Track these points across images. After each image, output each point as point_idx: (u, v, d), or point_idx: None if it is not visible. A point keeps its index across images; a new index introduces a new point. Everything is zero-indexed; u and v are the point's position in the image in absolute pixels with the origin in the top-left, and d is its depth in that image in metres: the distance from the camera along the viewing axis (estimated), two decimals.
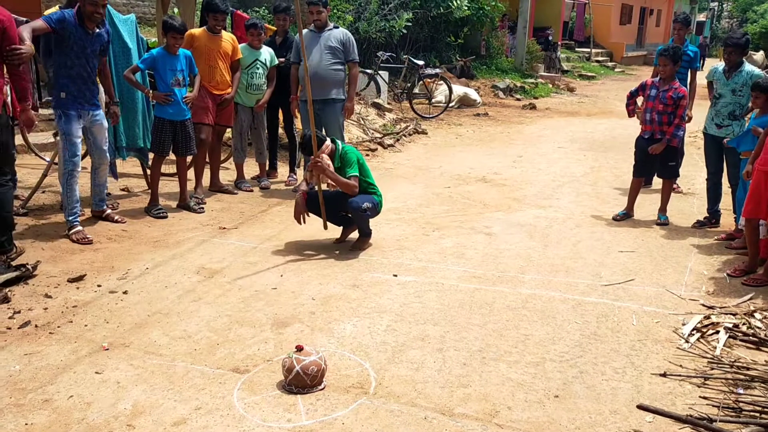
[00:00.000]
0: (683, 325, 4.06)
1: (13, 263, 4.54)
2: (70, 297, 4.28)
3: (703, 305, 4.37)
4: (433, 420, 3.03)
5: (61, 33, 5.12)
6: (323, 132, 6.38)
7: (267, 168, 7.58)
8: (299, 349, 3.30)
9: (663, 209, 6.34)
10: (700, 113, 7.35)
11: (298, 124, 7.54)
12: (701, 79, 7.14)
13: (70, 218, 5.40)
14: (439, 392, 3.27)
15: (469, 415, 3.08)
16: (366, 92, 12.26)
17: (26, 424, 2.92)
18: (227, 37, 6.73)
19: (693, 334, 3.90)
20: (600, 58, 28.07)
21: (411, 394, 3.25)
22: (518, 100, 16.25)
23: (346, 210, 5.37)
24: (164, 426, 2.94)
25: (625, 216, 6.42)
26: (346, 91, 6.91)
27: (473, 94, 14.88)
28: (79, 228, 5.39)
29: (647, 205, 6.73)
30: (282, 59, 7.17)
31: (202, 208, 6.35)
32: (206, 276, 4.73)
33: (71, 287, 4.43)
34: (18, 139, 6.77)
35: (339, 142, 5.41)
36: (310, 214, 5.48)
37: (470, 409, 3.13)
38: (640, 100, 6.52)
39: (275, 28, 7.64)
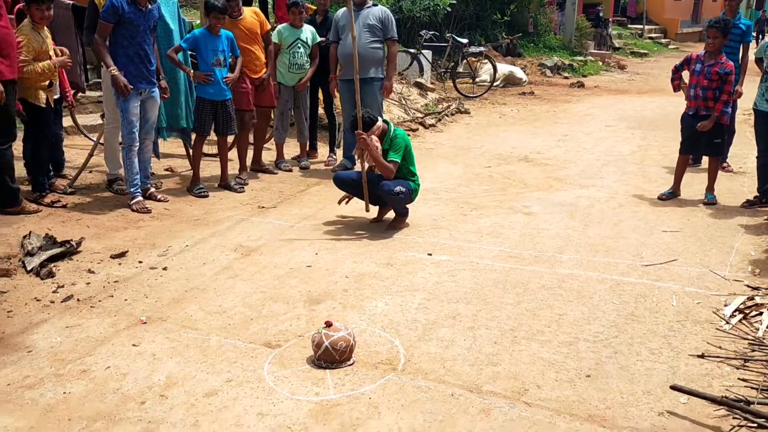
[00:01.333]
0: (725, 306, 3.92)
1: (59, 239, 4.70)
2: (112, 272, 4.41)
3: (748, 286, 4.22)
4: (459, 397, 3.02)
5: (117, 21, 5.31)
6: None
7: (307, 148, 7.62)
8: (328, 324, 3.33)
9: (710, 188, 6.12)
10: (752, 90, 7.05)
11: (337, 103, 7.55)
12: (753, 54, 6.83)
13: (132, 189, 5.67)
14: (468, 370, 3.26)
15: (497, 392, 3.06)
16: (408, 72, 12.16)
17: (64, 393, 3.03)
18: (248, 13, 6.68)
19: (735, 315, 3.77)
20: (653, 35, 27.14)
21: (439, 371, 3.24)
22: (566, 78, 15.88)
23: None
24: (196, 397, 3.01)
25: (671, 195, 6.23)
26: (385, 70, 6.86)
27: (519, 73, 14.60)
28: (140, 198, 5.67)
29: (695, 184, 6.51)
30: (323, 38, 7.17)
31: (243, 188, 6.43)
32: (243, 254, 4.80)
33: (113, 263, 4.56)
34: (67, 121, 7.00)
35: (391, 124, 5.38)
36: (350, 196, 5.50)
37: (498, 387, 3.10)
38: (687, 75, 6.28)
39: (315, 7, 7.63)
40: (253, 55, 6.59)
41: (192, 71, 6.07)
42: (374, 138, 5.20)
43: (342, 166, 7.01)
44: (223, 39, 6.09)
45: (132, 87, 5.42)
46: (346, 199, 5.50)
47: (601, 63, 18.35)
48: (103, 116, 6.61)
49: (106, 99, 6.04)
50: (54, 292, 4.08)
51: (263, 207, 5.94)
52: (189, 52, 6.22)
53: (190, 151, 6.69)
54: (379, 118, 5.37)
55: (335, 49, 6.86)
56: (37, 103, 5.31)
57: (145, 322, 3.72)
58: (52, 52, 5.35)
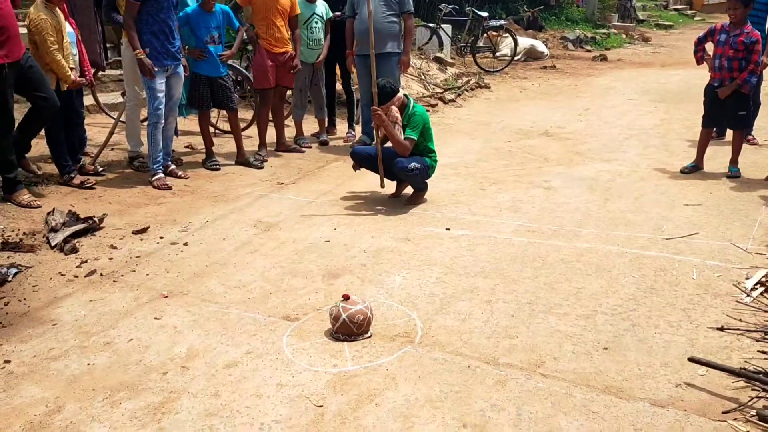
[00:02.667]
0: (747, 279, 3.88)
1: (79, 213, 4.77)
2: (134, 248, 4.48)
3: None
4: (476, 368, 3.03)
5: None
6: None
7: (326, 124, 7.61)
8: (346, 298, 3.35)
9: (734, 161, 6.02)
10: None
11: (355, 79, 7.51)
12: None
13: (154, 166, 5.75)
14: (485, 342, 3.27)
15: (514, 364, 3.07)
16: (428, 47, 12.06)
17: (89, 364, 3.10)
18: None
19: (756, 288, 3.73)
20: (679, 6, 26.58)
21: (456, 344, 3.25)
22: (588, 51, 15.64)
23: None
24: (216, 368, 3.06)
25: (694, 168, 6.14)
26: (402, 44, 6.80)
27: (540, 47, 14.41)
28: (161, 175, 5.76)
29: (719, 157, 6.41)
30: (337, 13, 7.12)
31: (262, 164, 6.46)
32: (263, 229, 4.84)
33: (135, 239, 4.63)
34: (88, 99, 7.07)
35: (411, 99, 5.34)
36: (364, 168, 5.51)
37: (515, 359, 3.11)
38: (710, 47, 6.15)
39: None
40: (275, 29, 6.50)
41: (186, 47, 5.99)
42: (394, 108, 5.17)
43: (361, 142, 7.00)
44: (218, 15, 6.08)
45: (157, 67, 5.47)
46: (359, 168, 5.51)
47: (624, 36, 18.04)
48: (123, 94, 6.66)
49: (126, 77, 6.09)
50: (78, 267, 4.16)
51: (282, 183, 5.97)
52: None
53: (211, 128, 6.73)
54: (400, 89, 5.34)
55: (351, 24, 6.81)
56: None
57: (166, 296, 3.78)
58: (66, 33, 5.34)
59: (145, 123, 5.90)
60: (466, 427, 2.63)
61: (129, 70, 5.92)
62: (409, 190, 5.48)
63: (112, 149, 6.58)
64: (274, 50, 6.54)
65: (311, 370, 3.05)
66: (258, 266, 4.20)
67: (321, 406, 2.77)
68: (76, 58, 5.54)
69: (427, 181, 5.39)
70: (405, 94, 5.32)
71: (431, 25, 12.39)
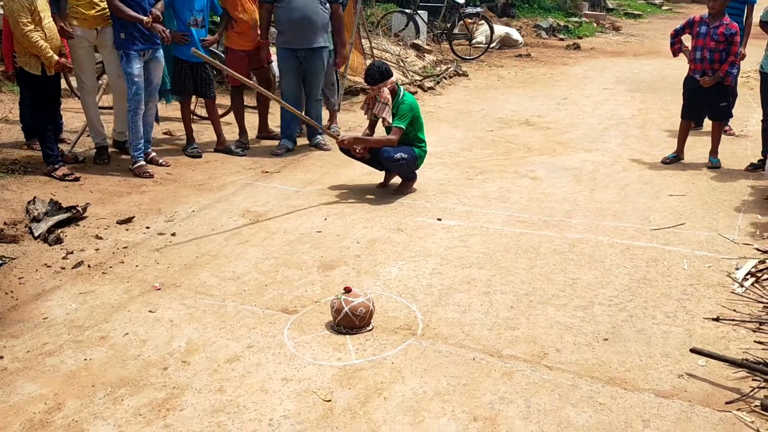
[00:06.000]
0: (737, 269, 3.95)
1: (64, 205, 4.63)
2: (120, 238, 4.37)
3: (758, 249, 4.25)
4: (481, 361, 3.04)
5: None
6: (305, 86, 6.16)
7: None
8: (347, 290, 3.32)
9: (714, 152, 6.12)
10: (754, 53, 7.03)
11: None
12: (757, 16, 6.76)
13: (135, 153, 5.60)
14: (487, 334, 3.27)
15: (518, 356, 3.08)
16: (405, 33, 11.99)
17: (85, 359, 3.02)
18: None
19: (747, 279, 3.81)
20: None
21: (458, 336, 3.25)
22: (562, 40, 15.73)
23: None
24: (218, 362, 3.01)
25: (675, 159, 6.23)
26: (332, 37, 6.37)
27: (515, 35, 14.43)
28: (143, 163, 5.61)
29: (698, 147, 6.51)
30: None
31: (244, 152, 6.35)
32: (251, 219, 4.76)
33: (120, 229, 4.52)
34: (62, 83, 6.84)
35: (402, 88, 5.27)
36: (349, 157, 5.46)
37: (518, 351, 3.12)
38: (686, 39, 6.21)
39: None
40: (246, 15, 6.19)
41: (168, 30, 5.66)
42: (385, 90, 5.12)
43: (284, 148, 6.41)
44: None
45: (133, 52, 5.33)
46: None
47: (596, 24, 18.17)
48: (100, 77, 6.44)
49: (78, 66, 5.66)
50: (64, 258, 4.05)
51: (267, 172, 5.89)
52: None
53: (192, 115, 6.59)
54: (394, 74, 5.27)
55: (267, 12, 6.20)
56: (30, 70, 5.12)
57: (159, 288, 3.70)
58: (45, 13, 5.11)
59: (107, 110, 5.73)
60: (477, 420, 2.64)
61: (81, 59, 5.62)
62: (397, 179, 5.45)
63: (89, 135, 6.38)
64: (244, 48, 6.29)
65: (316, 364, 3.02)
66: (250, 257, 4.14)
67: (329, 400, 2.74)
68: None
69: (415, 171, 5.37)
70: (396, 82, 5.27)
71: (408, 11, 12.31)
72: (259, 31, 6.32)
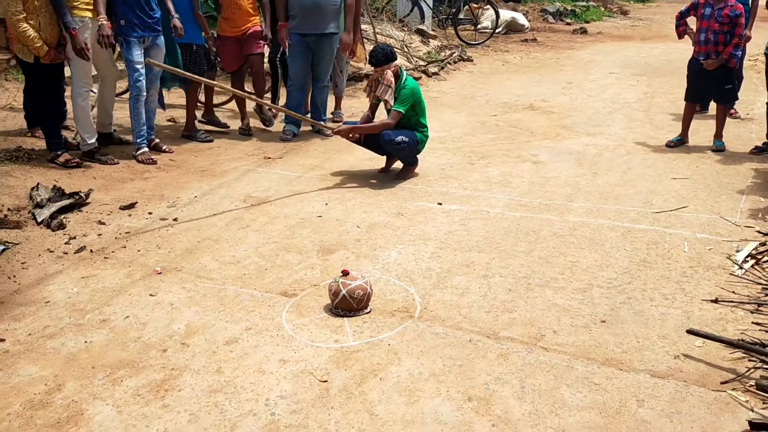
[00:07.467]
0: (737, 251, 3.94)
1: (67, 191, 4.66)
2: (122, 224, 4.40)
3: (759, 232, 4.22)
4: (478, 342, 3.05)
5: None
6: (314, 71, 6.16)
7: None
8: (345, 273, 3.34)
9: (719, 135, 6.08)
10: (760, 35, 6.95)
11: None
12: None
13: (138, 140, 5.61)
14: (484, 317, 3.28)
15: (515, 338, 3.09)
16: (409, 18, 11.94)
17: (86, 342, 3.05)
18: None
19: (747, 261, 3.79)
20: None
21: (456, 318, 3.26)
22: (568, 24, 15.63)
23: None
24: (217, 344, 3.04)
25: (679, 142, 6.20)
26: (344, 23, 6.32)
27: (521, 19, 14.35)
28: (146, 149, 5.63)
29: (703, 130, 6.47)
30: None
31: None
32: (253, 204, 4.78)
33: (123, 214, 4.55)
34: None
35: (404, 72, 5.26)
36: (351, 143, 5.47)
37: (515, 333, 3.13)
38: (691, 21, 6.16)
39: None
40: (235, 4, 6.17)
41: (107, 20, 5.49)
42: (389, 72, 5.12)
43: (290, 132, 6.46)
44: None
45: (132, 38, 5.33)
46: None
47: (603, 9, 18.05)
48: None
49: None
50: (66, 243, 4.08)
51: (269, 157, 5.90)
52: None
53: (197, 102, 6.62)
54: (398, 57, 5.27)
55: None
56: (24, 58, 5.11)
57: (160, 273, 3.73)
58: (40, 1, 5.06)
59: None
60: (471, 400, 2.65)
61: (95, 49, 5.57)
62: (398, 164, 5.45)
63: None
64: (233, 34, 6.25)
65: (313, 345, 3.04)
66: (251, 242, 4.16)
67: (326, 381, 2.77)
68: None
69: (417, 156, 5.37)
70: (399, 66, 5.25)
71: None
72: (251, 18, 6.28)
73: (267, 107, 6.53)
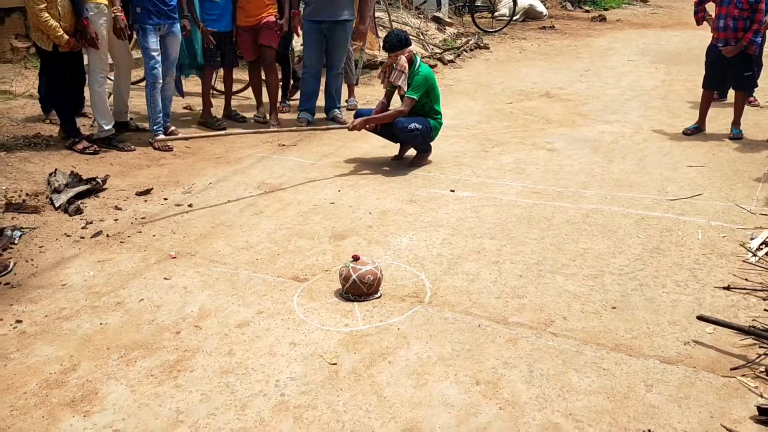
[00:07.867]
0: (752, 239, 3.91)
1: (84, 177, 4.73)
2: (138, 209, 4.46)
3: None
4: (486, 327, 3.06)
5: None
6: (328, 58, 6.11)
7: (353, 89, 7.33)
8: (356, 258, 3.36)
9: (737, 122, 6.01)
10: None
11: (298, 45, 7.05)
12: None
13: (155, 127, 5.68)
14: (494, 302, 3.29)
15: (524, 323, 3.10)
16: (426, 6, 11.89)
17: (101, 323, 3.11)
18: None
19: (761, 248, 3.76)
20: None
21: (465, 304, 3.28)
22: (587, 11, 15.48)
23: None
24: (229, 327, 3.08)
25: (697, 130, 6.13)
26: (356, 11, 6.31)
27: (539, 6, 14.23)
28: (162, 136, 5.66)
29: (721, 118, 6.40)
30: None
31: (265, 122, 6.40)
32: (266, 191, 4.82)
33: (139, 200, 4.61)
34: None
35: (418, 58, 5.25)
36: (365, 130, 5.46)
37: (525, 318, 3.14)
38: (710, 7, 6.08)
39: None
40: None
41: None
42: (402, 58, 5.11)
43: (305, 120, 6.46)
44: None
45: (149, 26, 5.38)
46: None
47: None
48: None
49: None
50: (83, 228, 4.15)
51: (283, 145, 5.93)
52: None
53: (211, 89, 6.66)
54: (412, 43, 5.25)
55: None
56: (42, 46, 5.18)
57: (174, 257, 3.78)
58: None
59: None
60: (479, 384, 2.67)
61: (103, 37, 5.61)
62: (412, 152, 5.46)
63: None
64: (248, 24, 6.18)
65: (323, 329, 3.07)
66: (264, 228, 4.20)
67: (335, 364, 2.80)
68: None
69: (431, 143, 5.37)
70: (413, 53, 5.24)
71: None
72: (266, 7, 6.17)
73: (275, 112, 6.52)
